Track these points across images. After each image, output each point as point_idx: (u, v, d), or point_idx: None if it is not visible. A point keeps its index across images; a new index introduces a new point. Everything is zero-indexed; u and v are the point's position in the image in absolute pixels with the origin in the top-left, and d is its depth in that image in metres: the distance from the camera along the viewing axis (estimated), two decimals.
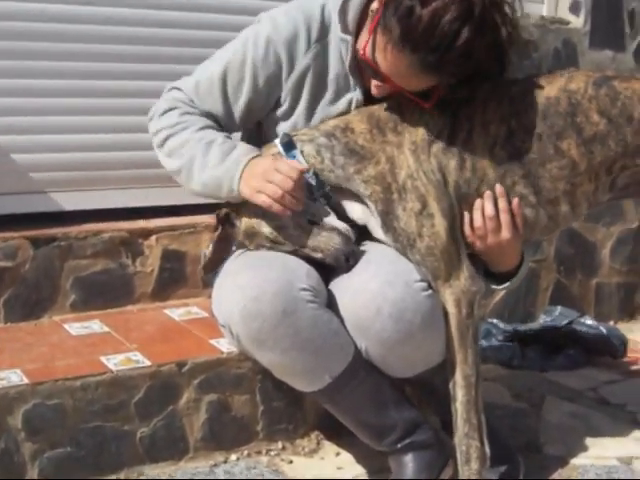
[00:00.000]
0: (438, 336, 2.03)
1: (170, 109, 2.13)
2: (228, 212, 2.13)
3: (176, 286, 2.72)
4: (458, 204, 2.06)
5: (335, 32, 2.11)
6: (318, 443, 2.40)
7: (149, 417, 2.19)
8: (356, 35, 2.08)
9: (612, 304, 3.66)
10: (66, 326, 2.47)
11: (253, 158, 2.03)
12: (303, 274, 1.99)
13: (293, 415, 2.38)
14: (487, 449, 2.06)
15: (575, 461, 2.36)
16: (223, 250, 2.18)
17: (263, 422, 2.34)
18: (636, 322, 3.68)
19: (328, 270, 2.06)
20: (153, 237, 2.67)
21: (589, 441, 2.46)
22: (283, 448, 2.35)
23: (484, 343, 3.05)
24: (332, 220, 2.04)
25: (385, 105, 2.09)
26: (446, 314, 2.02)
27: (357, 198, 2.06)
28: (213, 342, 2.33)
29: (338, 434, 2.33)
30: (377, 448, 2.14)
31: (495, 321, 3.17)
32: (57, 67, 2.63)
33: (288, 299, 1.95)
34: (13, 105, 2.58)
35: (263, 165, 2.00)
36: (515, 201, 2.07)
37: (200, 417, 2.25)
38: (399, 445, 2.10)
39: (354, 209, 2.07)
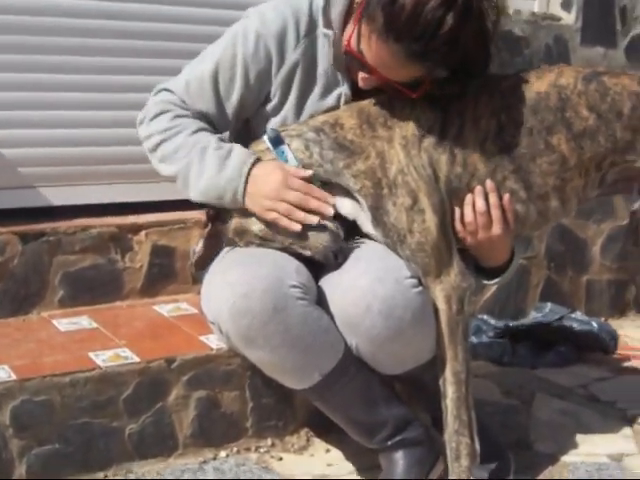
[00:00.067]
0: (428, 333, 2.02)
1: (161, 112, 2.11)
2: (218, 210, 2.12)
3: (165, 282, 2.71)
4: (449, 199, 2.05)
5: (321, 27, 2.10)
6: (308, 440, 2.39)
7: (138, 413, 2.18)
8: (343, 29, 2.07)
9: (602, 301, 3.66)
10: (54, 322, 2.46)
11: (254, 165, 2.02)
12: (293, 271, 1.98)
13: (283, 412, 2.37)
14: (477, 446, 2.06)
15: (565, 458, 2.36)
16: (213, 247, 2.16)
17: (252, 419, 2.33)
18: (626, 319, 3.69)
19: (318, 266, 2.05)
20: (142, 232, 2.66)
21: (579, 438, 2.46)
22: (273, 445, 2.35)
23: (474, 339, 3.05)
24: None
25: (375, 100, 2.08)
26: (436, 310, 2.02)
27: (347, 193, 2.05)
28: (202, 338, 2.32)
29: (328, 431, 2.33)
30: (367, 445, 2.14)
31: (485, 317, 3.18)
32: (47, 61, 2.61)
33: (278, 296, 1.94)
34: (1, 99, 2.56)
35: (272, 183, 2.00)
36: (506, 197, 2.06)
37: (189, 414, 2.24)
38: (389, 442, 2.09)
39: (344, 204, 2.06)
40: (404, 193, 2.00)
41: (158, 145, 2.09)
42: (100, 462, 2.14)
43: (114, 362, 2.16)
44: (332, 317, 2.01)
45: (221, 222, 2.13)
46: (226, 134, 2.20)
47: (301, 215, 2.00)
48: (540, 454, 2.38)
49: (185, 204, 2.20)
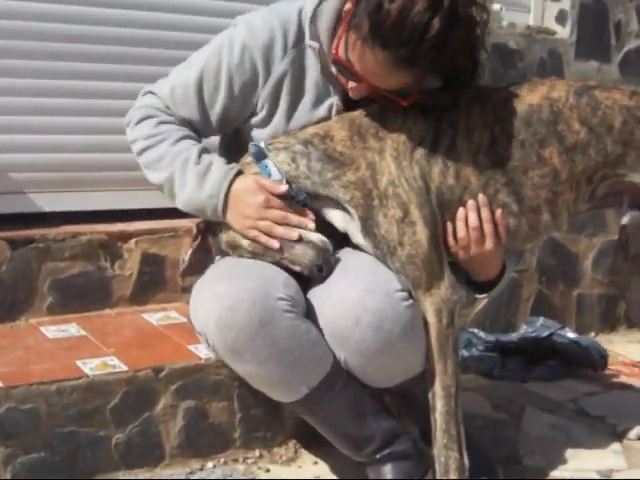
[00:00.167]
0: (418, 346, 2.01)
1: (146, 117, 2.11)
2: (209, 222, 2.12)
3: (155, 290, 2.70)
4: (440, 211, 2.04)
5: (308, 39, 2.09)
6: (296, 452, 2.38)
7: (125, 423, 2.16)
8: (332, 40, 2.06)
9: (593, 315, 3.66)
10: (42, 329, 2.44)
11: (233, 180, 2.03)
12: (281, 283, 1.97)
13: (271, 423, 2.36)
14: (466, 460, 2.04)
15: (555, 473, 2.35)
16: (202, 259, 2.16)
17: (240, 429, 2.32)
18: (617, 334, 3.69)
19: (307, 278, 2.04)
20: (132, 240, 2.65)
21: (569, 453, 2.45)
22: (260, 456, 2.33)
23: (465, 353, 3.04)
24: (307, 232, 2.02)
25: (367, 111, 2.08)
26: (426, 324, 2.01)
27: (337, 205, 2.05)
28: (191, 348, 2.31)
29: (316, 443, 2.31)
30: (356, 458, 2.13)
31: (476, 331, 3.17)
32: (38, 66, 2.60)
33: (265, 309, 1.92)
34: None
35: (252, 204, 2.01)
36: (498, 212, 2.06)
37: (177, 424, 2.23)
38: (378, 455, 2.08)
39: (334, 216, 2.06)
40: (395, 205, 2.00)
41: (142, 151, 2.11)
42: (86, 472, 2.12)
43: (102, 370, 2.15)
44: (320, 330, 2.00)
45: (212, 234, 2.13)
46: (216, 140, 2.20)
47: (280, 231, 2.00)
48: (529, 469, 2.37)
49: (176, 212, 2.19)
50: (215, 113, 2.12)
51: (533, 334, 3.16)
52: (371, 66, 1.94)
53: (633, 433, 2.58)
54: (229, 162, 2.11)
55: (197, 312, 2.07)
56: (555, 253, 3.50)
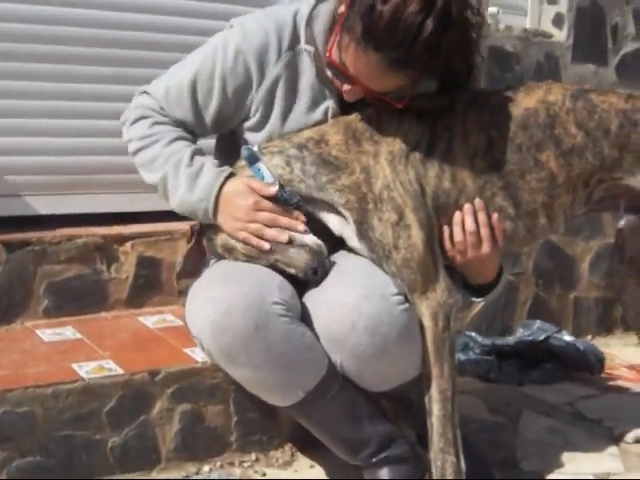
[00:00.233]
0: (414, 350, 2.01)
1: (141, 117, 2.12)
2: (203, 226, 2.12)
3: (151, 293, 2.69)
4: (436, 215, 2.04)
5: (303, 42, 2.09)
6: (292, 455, 2.37)
7: (121, 426, 2.16)
8: (327, 43, 2.06)
9: (590, 318, 3.66)
10: (38, 332, 2.44)
11: (224, 183, 2.03)
12: (275, 287, 1.97)
13: (267, 426, 2.35)
14: (463, 464, 2.04)
15: (552, 477, 2.34)
16: (197, 262, 2.16)
17: (237, 433, 2.31)
18: (613, 337, 3.69)
19: (302, 282, 2.03)
20: (128, 243, 2.65)
21: (566, 457, 2.45)
22: (257, 460, 2.33)
23: (462, 356, 3.04)
24: (302, 235, 2.02)
25: (363, 115, 2.07)
26: (422, 327, 2.00)
27: (332, 209, 2.04)
28: (187, 351, 2.30)
29: (312, 446, 2.31)
30: (352, 462, 2.12)
31: (473, 334, 3.16)
32: (35, 69, 2.60)
33: (260, 313, 1.92)
34: None
35: (242, 207, 2.01)
36: (495, 216, 2.06)
37: (173, 427, 2.22)
38: (374, 459, 2.07)
39: (329, 220, 2.05)
40: (390, 209, 1.99)
41: (137, 151, 2.12)
42: (82, 475, 2.11)
43: (97, 374, 2.14)
44: (316, 333, 2.00)
45: (208, 238, 2.13)
46: (212, 143, 2.20)
47: (271, 233, 2.00)
48: (526, 472, 2.37)
49: (172, 215, 2.19)
50: (209, 114, 2.12)
51: (530, 337, 3.16)
52: (365, 68, 1.93)
53: (630, 436, 2.58)
54: (224, 165, 2.10)
55: (192, 316, 2.06)
56: (552, 256, 3.50)
